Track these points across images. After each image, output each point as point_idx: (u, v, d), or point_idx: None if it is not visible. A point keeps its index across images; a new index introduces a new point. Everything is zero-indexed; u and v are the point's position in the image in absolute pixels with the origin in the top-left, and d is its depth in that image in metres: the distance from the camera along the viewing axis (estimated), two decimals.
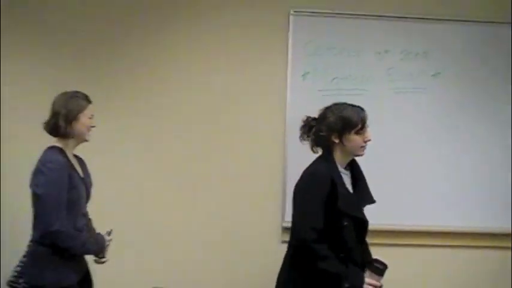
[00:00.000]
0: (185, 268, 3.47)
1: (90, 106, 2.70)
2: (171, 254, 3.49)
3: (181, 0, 3.57)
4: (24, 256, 2.55)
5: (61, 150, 2.61)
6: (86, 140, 2.69)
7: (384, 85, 3.52)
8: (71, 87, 2.65)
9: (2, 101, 3.41)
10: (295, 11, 3.48)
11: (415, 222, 3.58)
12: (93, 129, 2.65)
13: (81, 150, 2.69)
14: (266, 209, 3.50)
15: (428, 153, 3.53)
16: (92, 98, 2.62)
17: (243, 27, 3.55)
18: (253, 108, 3.54)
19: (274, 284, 2.56)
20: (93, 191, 2.75)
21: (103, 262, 2.75)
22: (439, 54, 3.55)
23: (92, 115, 2.70)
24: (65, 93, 2.67)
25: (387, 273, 2.47)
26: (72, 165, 2.64)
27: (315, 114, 2.63)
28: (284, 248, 2.56)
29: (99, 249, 2.73)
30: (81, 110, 2.65)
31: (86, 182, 2.73)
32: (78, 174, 2.67)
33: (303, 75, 3.50)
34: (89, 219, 2.82)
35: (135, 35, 3.53)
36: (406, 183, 3.50)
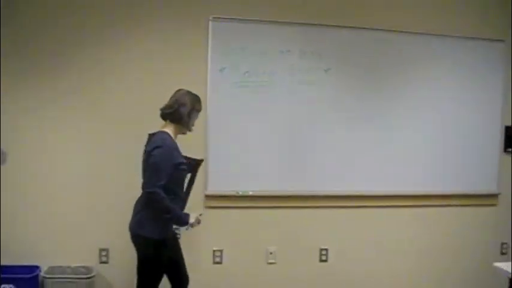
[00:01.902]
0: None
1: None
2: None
3: (121, 7, 4.13)
4: None
5: (168, 135, 3.24)
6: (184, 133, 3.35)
7: (286, 78, 4.35)
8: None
9: None
10: (213, 17, 4.20)
11: (420, 188, 4.68)
12: None
13: None
14: None
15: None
16: None
17: (171, 31, 4.20)
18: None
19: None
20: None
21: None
22: (330, 54, 4.43)
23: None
24: (191, 93, 3.33)
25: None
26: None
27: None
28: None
29: (179, 221, 3.25)
30: (200, 110, 3.37)
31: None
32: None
33: (220, 70, 4.23)
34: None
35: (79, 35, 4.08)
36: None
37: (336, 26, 4.43)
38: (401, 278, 4.75)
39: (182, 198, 3.37)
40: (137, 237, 3.23)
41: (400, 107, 4.63)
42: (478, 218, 4.93)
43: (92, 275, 4.00)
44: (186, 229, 3.33)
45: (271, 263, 4.43)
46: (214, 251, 4.38)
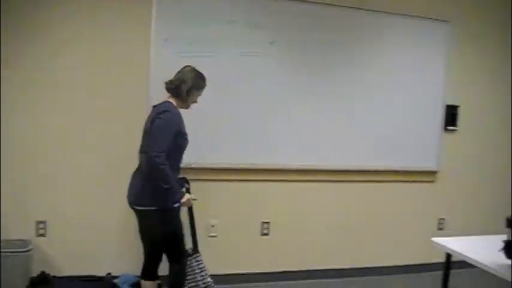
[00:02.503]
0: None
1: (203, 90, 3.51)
2: None
3: None
4: None
5: (175, 107, 3.38)
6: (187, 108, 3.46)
7: (231, 50, 4.33)
8: None
9: None
10: None
11: (363, 163, 4.80)
12: None
13: None
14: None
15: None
16: None
17: (112, 2, 4.11)
18: (122, 68, 4.15)
19: None
20: None
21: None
22: (274, 26, 4.44)
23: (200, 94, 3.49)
24: (195, 70, 3.45)
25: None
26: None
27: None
28: None
29: (175, 195, 3.30)
30: (202, 88, 3.49)
31: None
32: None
33: (165, 40, 4.17)
34: None
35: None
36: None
37: None
38: (343, 251, 4.88)
39: (177, 169, 3.42)
40: (150, 211, 3.28)
41: (345, 84, 4.69)
42: (418, 194, 5.11)
43: (29, 248, 3.92)
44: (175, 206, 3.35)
45: (212, 236, 4.47)
46: None
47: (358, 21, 4.67)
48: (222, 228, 4.50)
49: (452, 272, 3.33)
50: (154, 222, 3.30)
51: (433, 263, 4.74)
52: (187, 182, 3.75)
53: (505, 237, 2.81)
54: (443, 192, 5.18)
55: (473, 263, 2.97)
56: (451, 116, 5.12)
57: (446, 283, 3.34)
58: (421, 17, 4.86)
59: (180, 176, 3.52)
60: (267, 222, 4.63)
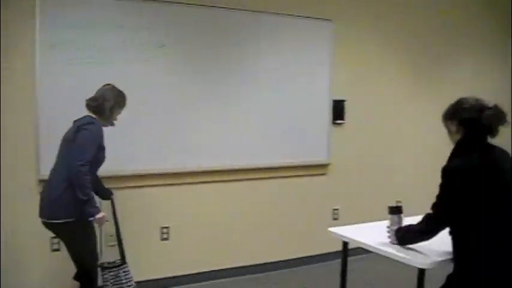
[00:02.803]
0: None
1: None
2: None
3: None
4: None
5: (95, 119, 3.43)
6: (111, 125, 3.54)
7: (120, 54, 4.28)
8: None
9: None
10: None
11: (258, 161, 4.91)
12: None
13: None
14: (22, 166, 4.06)
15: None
16: None
17: None
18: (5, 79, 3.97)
19: None
20: None
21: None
22: (163, 30, 4.45)
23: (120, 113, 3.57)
24: (116, 89, 3.53)
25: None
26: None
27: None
28: None
29: (90, 210, 3.28)
30: (123, 107, 3.57)
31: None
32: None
33: (51, 47, 4.02)
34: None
35: None
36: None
37: (168, 2, 4.46)
38: (245, 248, 5.00)
39: (93, 180, 3.40)
40: (62, 224, 3.30)
41: (237, 83, 4.80)
42: (312, 187, 5.34)
43: None
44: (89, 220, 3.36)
45: (111, 246, 4.41)
46: None
47: (247, 23, 4.80)
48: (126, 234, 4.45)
49: (350, 259, 3.54)
50: (71, 235, 3.36)
51: (332, 252, 4.98)
52: (111, 193, 3.84)
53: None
54: (335, 183, 5.46)
55: (367, 247, 3.18)
56: (338, 110, 5.39)
57: (345, 270, 3.53)
58: (305, 16, 5.08)
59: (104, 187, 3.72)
60: (167, 227, 4.64)
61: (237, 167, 4.85)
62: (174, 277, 4.68)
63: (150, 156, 4.46)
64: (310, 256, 5.34)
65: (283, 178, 5.16)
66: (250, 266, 5.04)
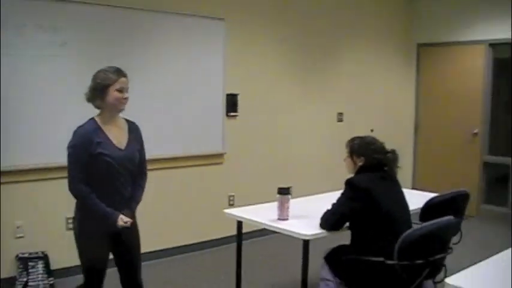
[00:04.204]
0: None
1: (122, 79, 3.14)
2: None
3: None
4: None
5: (93, 121, 3.14)
6: (120, 110, 3.19)
7: (23, 52, 4.48)
8: None
9: None
10: None
11: (156, 152, 5.09)
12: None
13: None
14: None
15: None
16: None
17: None
18: None
19: None
20: None
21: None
22: (66, 28, 4.70)
23: (123, 87, 3.13)
24: (101, 69, 3.14)
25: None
26: (102, 134, 3.10)
27: None
28: None
29: (110, 221, 3.11)
30: (109, 83, 3.09)
31: (126, 151, 3.19)
32: (112, 143, 3.13)
33: None
34: (138, 187, 3.35)
35: None
36: None
37: (70, 1, 4.70)
38: (149, 233, 5.35)
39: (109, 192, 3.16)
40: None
41: (137, 80, 5.12)
42: (210, 175, 5.81)
43: None
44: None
45: (19, 237, 4.63)
46: None
47: (144, 21, 5.16)
48: (28, 228, 4.67)
49: (246, 242, 4.05)
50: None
51: (228, 236, 5.52)
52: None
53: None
54: (231, 171, 5.97)
55: (258, 225, 3.72)
56: (231, 103, 5.89)
57: (240, 247, 4.05)
58: (200, 16, 5.53)
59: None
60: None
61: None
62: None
63: (50, 150, 4.64)
64: (211, 240, 5.83)
65: (181, 168, 5.58)
66: (157, 251, 5.42)
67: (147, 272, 5.01)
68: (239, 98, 5.96)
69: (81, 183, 3.07)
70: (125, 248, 3.37)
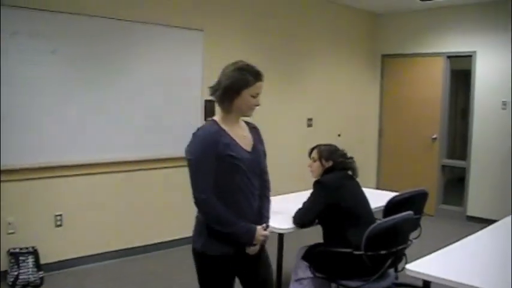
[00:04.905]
0: None
1: (259, 84, 2.73)
2: None
3: None
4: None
5: (214, 122, 2.76)
6: (248, 116, 2.80)
7: (13, 59, 4.70)
8: None
9: None
10: None
11: (132, 154, 5.47)
12: None
13: None
14: None
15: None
16: None
17: None
18: None
19: None
20: None
21: (251, 251, 2.78)
22: (55, 36, 4.93)
23: (258, 93, 2.72)
24: (235, 64, 2.75)
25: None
26: (228, 136, 2.70)
27: None
28: None
29: (246, 238, 2.71)
30: (245, 86, 2.69)
31: (254, 154, 2.80)
32: (239, 145, 2.74)
33: None
34: (264, 198, 2.90)
35: None
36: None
37: (59, 11, 4.93)
38: (123, 232, 5.64)
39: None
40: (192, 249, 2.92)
41: (120, 85, 5.45)
42: (186, 177, 6.04)
43: None
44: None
45: (10, 233, 4.85)
46: None
47: (127, 32, 5.44)
48: (19, 225, 4.90)
49: None
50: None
51: None
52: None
53: None
54: None
55: None
56: (209, 109, 6.19)
57: None
58: (181, 27, 5.85)
59: None
60: (60, 215, 5.15)
61: (119, 160, 5.49)
62: (66, 260, 5.21)
63: (45, 151, 4.95)
64: (185, 237, 6.08)
65: (161, 169, 5.87)
66: (127, 249, 5.67)
67: (133, 265, 5.32)
68: (215, 103, 6.25)
69: (208, 193, 2.66)
70: (258, 275, 2.93)
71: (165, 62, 5.77)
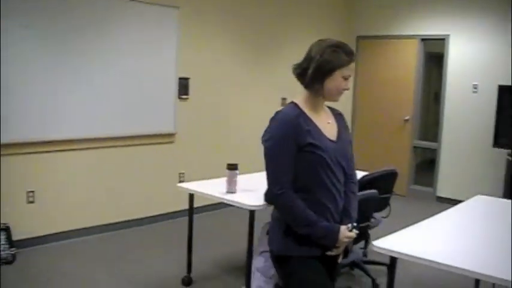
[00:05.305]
0: None
1: (352, 65, 2.41)
2: None
3: None
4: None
5: (295, 105, 2.45)
6: (335, 100, 2.46)
7: None
8: None
9: None
10: None
11: (111, 131, 5.48)
12: None
13: None
14: None
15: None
16: None
17: None
18: None
19: None
20: None
21: (334, 253, 2.47)
22: (28, 13, 4.84)
23: (349, 75, 2.41)
24: (325, 41, 2.41)
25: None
26: (310, 122, 2.39)
27: None
28: None
29: (328, 240, 2.39)
30: (339, 66, 2.36)
31: (339, 144, 2.46)
32: (322, 133, 2.41)
33: None
34: (350, 195, 2.51)
35: None
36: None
37: None
38: (106, 209, 5.62)
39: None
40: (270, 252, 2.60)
41: (94, 61, 5.39)
42: (161, 153, 6.10)
43: None
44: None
45: None
46: None
47: (104, 7, 5.37)
48: None
49: (197, 216, 4.37)
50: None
51: (180, 210, 5.91)
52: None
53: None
54: (182, 150, 6.28)
55: (208, 197, 4.07)
56: (183, 86, 6.17)
57: (192, 219, 4.38)
58: (156, 4, 5.78)
59: None
60: (32, 191, 5.10)
61: (95, 136, 5.46)
62: (41, 236, 5.18)
63: (19, 126, 4.88)
64: (164, 214, 6.16)
65: (135, 146, 5.85)
66: (113, 223, 5.71)
67: (104, 244, 5.31)
68: (190, 81, 6.24)
69: (286, 188, 2.33)
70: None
71: (140, 39, 5.70)
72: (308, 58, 2.38)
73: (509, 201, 4.00)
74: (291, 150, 2.31)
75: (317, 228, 2.34)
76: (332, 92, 2.40)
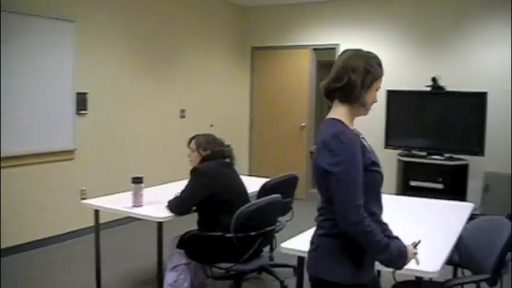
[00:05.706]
0: None
1: (382, 77, 2.29)
2: None
3: None
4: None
5: (340, 122, 2.21)
6: (365, 115, 2.30)
7: None
8: None
9: None
10: None
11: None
12: None
13: None
14: None
15: None
16: None
17: None
18: None
19: None
20: None
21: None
22: None
23: (380, 87, 2.28)
24: (358, 50, 2.26)
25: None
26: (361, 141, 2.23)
27: None
28: None
29: (400, 261, 2.19)
30: (377, 78, 2.24)
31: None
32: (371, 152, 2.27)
33: None
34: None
35: None
36: None
37: None
38: (6, 231, 5.39)
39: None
40: (319, 283, 2.30)
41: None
42: (60, 171, 5.91)
43: None
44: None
45: None
46: None
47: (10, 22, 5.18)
48: None
49: (103, 232, 4.31)
50: None
51: (85, 228, 5.79)
52: None
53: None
54: (82, 166, 6.14)
55: (114, 211, 4.05)
56: (81, 101, 6.05)
57: (98, 236, 4.32)
58: (52, 18, 5.63)
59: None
60: None
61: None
62: None
63: None
64: (68, 233, 5.99)
65: (32, 165, 5.63)
66: (15, 246, 5.45)
67: (7, 267, 5.07)
68: (89, 96, 6.13)
69: (364, 213, 2.11)
70: None
71: (35, 53, 5.50)
72: (347, 70, 2.19)
73: (405, 197, 4.33)
74: (361, 171, 2.13)
75: (391, 251, 2.15)
76: (368, 105, 2.27)
